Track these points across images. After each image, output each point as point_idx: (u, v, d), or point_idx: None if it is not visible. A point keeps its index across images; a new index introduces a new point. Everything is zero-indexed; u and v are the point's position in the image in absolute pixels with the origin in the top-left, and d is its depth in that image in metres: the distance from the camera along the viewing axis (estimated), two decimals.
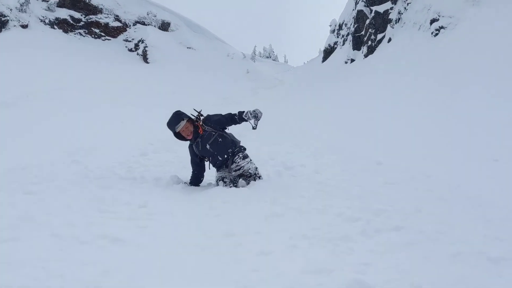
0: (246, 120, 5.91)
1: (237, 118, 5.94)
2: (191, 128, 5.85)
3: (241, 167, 5.94)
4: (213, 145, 5.85)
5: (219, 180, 5.93)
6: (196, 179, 6.15)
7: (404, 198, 4.87)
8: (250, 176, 5.91)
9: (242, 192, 5.20)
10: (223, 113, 6.12)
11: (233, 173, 5.91)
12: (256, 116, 5.86)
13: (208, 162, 6.12)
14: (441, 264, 2.70)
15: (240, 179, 5.87)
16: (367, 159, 8.00)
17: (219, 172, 6.02)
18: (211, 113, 6.21)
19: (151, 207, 4.49)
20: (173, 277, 2.78)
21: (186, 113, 5.98)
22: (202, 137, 5.87)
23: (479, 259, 2.81)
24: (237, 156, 5.95)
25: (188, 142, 6.13)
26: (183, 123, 5.79)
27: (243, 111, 5.93)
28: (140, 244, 3.23)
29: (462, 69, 14.18)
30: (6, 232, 3.05)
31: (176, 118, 5.82)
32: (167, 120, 5.95)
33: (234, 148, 5.99)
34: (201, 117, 6.04)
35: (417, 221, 3.72)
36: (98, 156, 7.94)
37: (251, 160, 6.09)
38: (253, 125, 5.86)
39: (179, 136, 5.96)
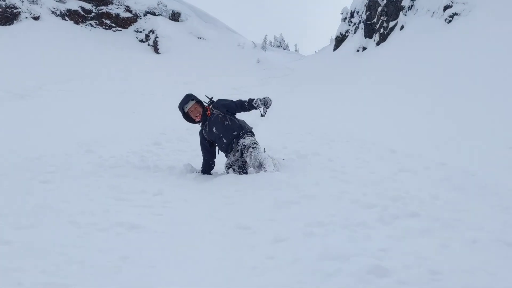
0: (255, 108, 5.89)
1: (247, 105, 5.92)
2: (200, 110, 5.91)
3: (242, 144, 5.73)
4: (218, 126, 5.83)
5: (228, 168, 5.89)
6: (207, 166, 6.09)
7: (419, 185, 4.84)
8: (249, 147, 5.62)
9: (255, 179, 5.17)
10: (234, 100, 6.15)
11: (237, 154, 5.81)
12: (266, 103, 5.79)
13: (218, 148, 6.11)
14: (459, 251, 2.67)
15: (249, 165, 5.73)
16: (381, 147, 7.95)
17: (227, 159, 5.97)
18: (222, 98, 6.27)
19: (166, 195, 4.51)
20: (189, 263, 2.79)
21: (197, 96, 6.06)
22: (210, 119, 5.90)
23: (498, 246, 2.78)
24: (242, 139, 5.81)
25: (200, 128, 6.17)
26: (191, 103, 5.87)
27: (253, 99, 5.90)
28: (156, 231, 3.25)
29: (477, 55, 13.98)
30: (25, 220, 3.08)
31: (185, 99, 5.93)
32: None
33: (240, 131, 5.90)
34: (212, 102, 6.11)
35: (434, 208, 3.69)
36: (111, 146, 7.99)
37: (256, 142, 5.85)
38: (262, 112, 5.77)
39: (188, 118, 6.03)
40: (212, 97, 6.19)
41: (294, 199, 4.17)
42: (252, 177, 5.23)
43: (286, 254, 2.81)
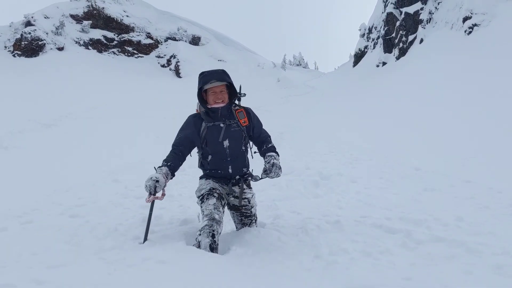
0: (265, 160, 4.02)
1: (264, 148, 4.16)
2: (226, 97, 4.05)
3: (246, 197, 4.12)
4: (233, 144, 4.01)
5: (209, 194, 3.83)
6: (177, 159, 3.96)
7: (444, 206, 4.81)
8: (247, 217, 4.19)
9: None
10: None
11: (231, 198, 4.07)
12: (272, 171, 3.85)
13: (200, 156, 4.17)
14: (484, 277, 2.67)
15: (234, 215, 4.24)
16: (405, 164, 7.91)
17: (208, 181, 4.04)
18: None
19: (190, 225, 4.56)
20: None
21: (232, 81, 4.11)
22: (229, 124, 4.00)
23: None
24: (245, 183, 4.18)
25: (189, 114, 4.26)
26: (219, 83, 3.99)
27: (273, 154, 4.05)
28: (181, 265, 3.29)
29: (500, 67, 13.80)
30: (56, 258, 3.19)
31: (219, 74, 3.99)
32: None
33: (247, 170, 4.19)
34: (239, 101, 4.40)
35: (458, 231, 3.68)
36: (136, 174, 8.13)
37: (254, 194, 4.31)
38: (261, 175, 3.95)
39: (202, 99, 4.05)
40: (244, 95, 4.51)
41: (318, 223, 4.20)
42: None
43: (311, 286, 2.82)
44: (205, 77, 3.93)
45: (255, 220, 4.23)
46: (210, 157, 4.01)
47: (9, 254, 3.30)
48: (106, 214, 5.00)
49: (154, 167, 3.85)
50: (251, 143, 4.31)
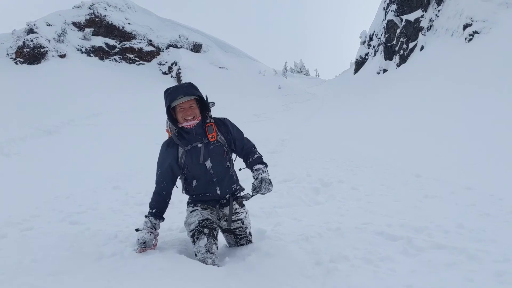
0: (253, 174, 3.67)
1: (250, 161, 3.78)
2: (197, 112, 3.60)
3: (239, 219, 3.76)
4: (216, 162, 3.64)
5: (200, 232, 3.44)
6: (163, 203, 3.75)
7: (445, 213, 4.81)
8: (242, 238, 3.81)
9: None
10: (244, 135, 3.92)
11: (223, 222, 3.69)
12: (262, 187, 3.49)
13: (183, 181, 3.78)
14: (485, 284, 2.66)
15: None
16: (405, 171, 7.92)
17: (195, 210, 3.67)
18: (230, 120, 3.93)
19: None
20: None
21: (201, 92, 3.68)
22: (208, 144, 3.61)
23: None
24: (235, 200, 3.77)
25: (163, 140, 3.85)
26: (186, 99, 3.53)
27: (260, 167, 3.68)
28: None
29: (501, 74, 13.83)
30: (56, 265, 3.18)
31: (186, 88, 3.57)
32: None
33: (236, 186, 3.83)
34: (209, 113, 3.76)
35: (459, 238, 3.67)
36: (137, 181, 8.15)
37: (247, 212, 3.95)
38: (251, 193, 3.59)
39: (171, 117, 3.64)
40: (213, 104, 3.81)
41: (319, 231, 4.20)
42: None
43: None
44: (171, 94, 3.50)
45: (251, 239, 3.87)
46: (194, 182, 3.66)
47: (9, 261, 3.29)
48: (106, 221, 5.00)
49: (145, 216, 3.70)
50: (234, 155, 3.90)
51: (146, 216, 3.67)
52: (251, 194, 3.62)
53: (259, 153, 3.86)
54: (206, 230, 3.43)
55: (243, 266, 3.20)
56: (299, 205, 5.83)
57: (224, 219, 3.66)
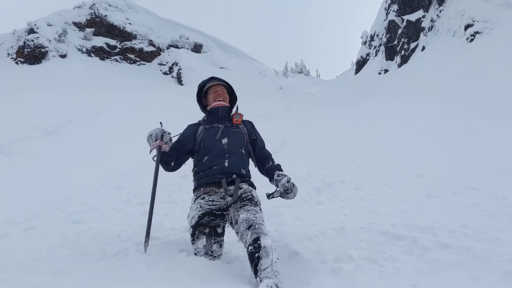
0: (273, 181, 3.69)
1: (271, 165, 3.79)
2: (227, 96, 3.97)
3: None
4: (232, 142, 3.68)
5: (200, 232, 3.37)
6: (171, 157, 3.76)
7: (448, 213, 4.79)
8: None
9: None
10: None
11: (228, 198, 3.42)
12: (293, 191, 3.51)
13: (195, 161, 3.82)
14: (492, 284, 2.64)
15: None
16: (407, 171, 7.89)
17: (198, 200, 3.50)
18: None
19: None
20: None
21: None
22: (229, 126, 3.76)
23: None
24: (247, 185, 3.62)
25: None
26: (221, 83, 3.99)
27: (281, 172, 3.67)
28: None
29: (503, 75, 13.81)
30: (59, 264, 3.17)
31: (219, 78, 4.02)
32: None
33: (246, 173, 3.71)
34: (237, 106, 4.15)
35: (464, 237, 3.65)
36: (139, 181, 8.11)
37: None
38: (275, 194, 3.57)
39: (200, 101, 4.04)
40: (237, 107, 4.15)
41: (323, 231, 4.18)
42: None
43: None
44: (205, 80, 3.99)
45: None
46: (206, 157, 3.62)
47: (12, 261, 3.27)
48: (108, 220, 4.97)
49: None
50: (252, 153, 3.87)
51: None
52: (280, 193, 3.51)
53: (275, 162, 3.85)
54: (206, 230, 3.36)
55: (247, 265, 3.18)
56: (301, 205, 5.81)
57: (229, 194, 3.43)
